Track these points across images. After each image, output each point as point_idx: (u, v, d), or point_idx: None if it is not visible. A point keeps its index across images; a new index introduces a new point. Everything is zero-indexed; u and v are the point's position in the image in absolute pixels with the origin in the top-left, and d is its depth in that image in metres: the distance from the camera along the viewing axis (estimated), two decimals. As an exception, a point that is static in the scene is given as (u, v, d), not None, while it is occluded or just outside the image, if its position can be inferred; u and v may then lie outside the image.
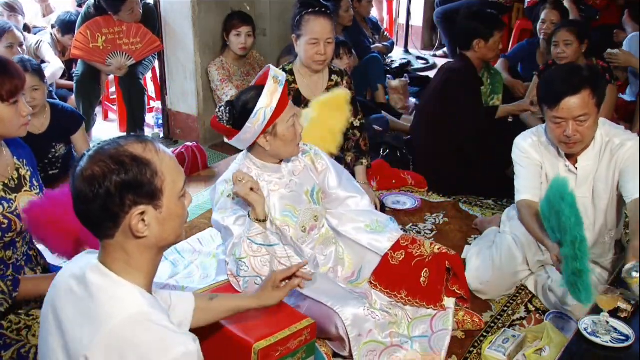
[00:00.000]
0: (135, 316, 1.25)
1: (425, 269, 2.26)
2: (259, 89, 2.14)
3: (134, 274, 1.33)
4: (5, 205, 1.95)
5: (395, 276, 2.30)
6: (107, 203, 1.26)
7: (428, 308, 2.25)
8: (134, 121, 4.45)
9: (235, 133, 2.17)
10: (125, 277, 1.31)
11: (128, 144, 1.30)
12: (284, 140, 2.20)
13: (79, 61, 4.30)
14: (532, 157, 2.53)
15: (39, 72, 2.97)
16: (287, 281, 1.88)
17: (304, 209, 2.33)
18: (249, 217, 2.07)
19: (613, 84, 3.96)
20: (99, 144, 1.32)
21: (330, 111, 2.90)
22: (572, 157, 2.47)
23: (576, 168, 2.46)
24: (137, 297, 1.29)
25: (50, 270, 2.14)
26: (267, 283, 1.85)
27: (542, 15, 4.34)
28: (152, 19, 4.27)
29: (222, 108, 2.19)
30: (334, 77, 3.14)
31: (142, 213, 1.28)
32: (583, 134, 2.32)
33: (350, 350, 2.14)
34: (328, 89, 3.11)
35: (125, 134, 4.55)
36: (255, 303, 1.84)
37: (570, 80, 2.30)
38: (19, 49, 3.85)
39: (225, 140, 2.25)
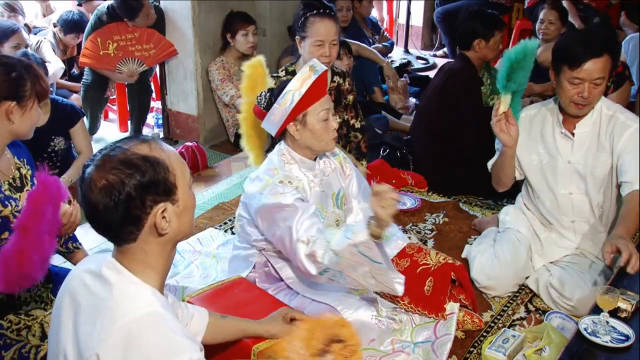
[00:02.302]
0: (146, 316, 1.26)
1: (430, 277, 2.26)
2: None
3: (149, 274, 1.34)
4: (13, 204, 1.96)
5: None
6: (129, 208, 1.26)
7: (429, 317, 2.25)
8: (136, 121, 4.46)
9: (265, 115, 2.20)
10: (140, 277, 1.33)
11: (133, 146, 1.30)
12: (313, 132, 2.19)
13: (87, 68, 4.29)
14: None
15: (42, 66, 3.00)
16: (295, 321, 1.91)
17: (330, 212, 2.32)
18: (367, 227, 1.88)
19: (631, 80, 3.97)
20: (100, 151, 1.32)
21: None
22: (568, 124, 2.57)
23: (573, 134, 2.55)
24: (150, 297, 1.30)
25: (50, 270, 2.14)
26: (278, 314, 1.91)
27: (541, 15, 4.34)
28: (162, 21, 4.27)
29: (264, 93, 2.21)
30: (337, 78, 3.14)
31: (164, 210, 1.30)
32: (594, 97, 2.45)
33: None
34: (330, 90, 3.10)
35: (126, 133, 4.56)
36: (263, 330, 1.86)
37: (594, 43, 2.42)
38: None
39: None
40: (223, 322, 1.79)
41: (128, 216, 1.27)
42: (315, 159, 2.30)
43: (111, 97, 5.00)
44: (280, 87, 2.20)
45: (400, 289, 1.98)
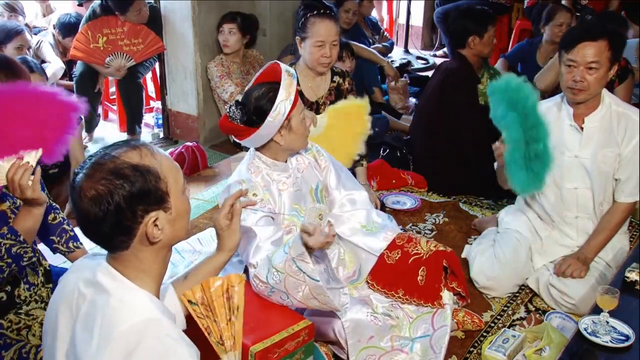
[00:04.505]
0: (144, 322, 1.24)
1: (423, 267, 2.26)
2: (269, 85, 2.15)
3: (144, 279, 1.33)
4: (11, 200, 1.96)
5: (392, 275, 2.29)
6: (119, 219, 1.24)
7: (426, 306, 2.25)
8: (132, 119, 4.46)
9: (249, 131, 2.16)
10: (135, 282, 1.31)
11: (123, 154, 1.27)
12: (297, 133, 2.21)
13: (79, 61, 4.30)
14: None
15: (43, 72, 3.00)
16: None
17: (309, 208, 2.32)
18: (301, 238, 1.93)
19: (634, 73, 4.00)
20: (90, 157, 1.29)
21: (348, 118, 2.94)
22: (577, 118, 2.57)
23: (582, 129, 2.55)
24: (147, 303, 1.29)
25: (52, 271, 2.14)
26: (218, 232, 1.74)
27: (557, 20, 4.34)
28: (158, 21, 4.28)
29: (233, 107, 2.16)
30: (336, 78, 3.14)
31: (156, 219, 1.28)
32: (590, 84, 2.44)
33: (347, 355, 2.14)
34: (330, 90, 3.11)
35: (125, 133, 4.56)
36: (225, 255, 1.74)
37: (592, 27, 2.45)
38: (27, 51, 3.88)
39: (235, 139, 2.25)
40: (189, 283, 1.69)
41: (118, 226, 1.25)
42: (286, 160, 2.31)
43: (111, 97, 5.02)
44: (256, 99, 2.15)
45: (342, 309, 2.07)
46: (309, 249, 1.90)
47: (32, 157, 1.75)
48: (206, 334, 1.59)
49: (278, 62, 2.21)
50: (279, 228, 2.15)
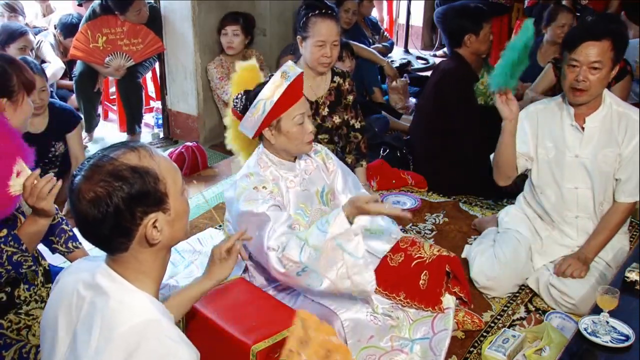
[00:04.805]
0: (144, 323, 1.24)
1: (425, 271, 2.26)
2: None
3: (144, 280, 1.32)
4: None
5: (394, 278, 2.29)
6: (118, 221, 1.24)
7: (426, 310, 2.25)
8: (132, 119, 4.46)
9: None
10: (135, 284, 1.31)
11: (122, 156, 1.26)
12: (288, 136, 2.19)
13: (78, 61, 4.31)
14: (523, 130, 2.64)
15: (43, 73, 3.01)
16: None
17: (315, 209, 2.32)
18: (343, 213, 1.94)
19: (632, 74, 4.01)
20: (88, 159, 1.28)
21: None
22: (578, 118, 2.56)
23: (583, 128, 2.55)
24: (147, 304, 1.28)
25: (51, 270, 2.14)
26: (213, 259, 1.77)
27: (559, 21, 4.36)
28: (158, 21, 4.28)
29: (239, 96, 2.19)
30: (337, 78, 3.14)
31: (155, 221, 1.28)
32: (592, 84, 2.43)
33: None
34: (330, 90, 3.11)
35: (125, 133, 4.56)
36: (210, 283, 1.76)
37: (595, 27, 2.45)
38: (30, 52, 3.89)
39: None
40: (171, 303, 1.70)
41: (118, 228, 1.25)
42: (294, 160, 2.31)
43: (111, 97, 5.02)
44: (253, 92, 2.18)
45: (371, 290, 2.03)
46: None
47: (22, 167, 1.79)
48: (285, 354, 1.61)
49: (290, 61, 2.22)
50: (289, 217, 2.14)
